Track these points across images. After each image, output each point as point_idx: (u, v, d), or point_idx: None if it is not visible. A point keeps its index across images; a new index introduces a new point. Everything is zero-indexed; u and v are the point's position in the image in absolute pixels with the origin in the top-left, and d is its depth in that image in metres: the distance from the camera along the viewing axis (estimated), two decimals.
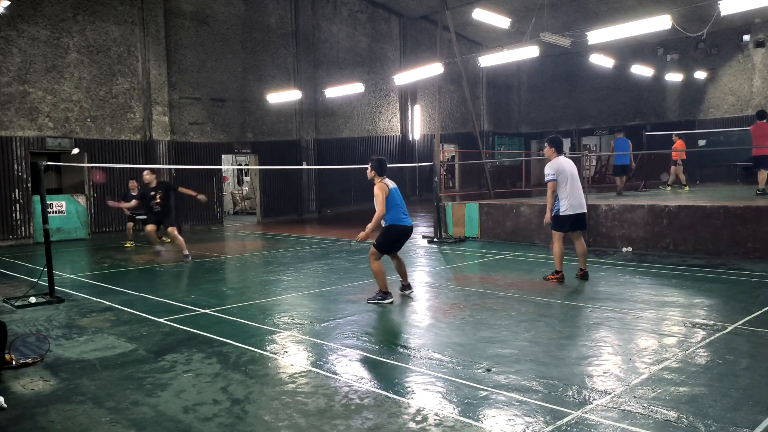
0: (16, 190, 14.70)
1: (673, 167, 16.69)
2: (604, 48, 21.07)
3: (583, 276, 7.72)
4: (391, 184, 6.88)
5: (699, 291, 7.06)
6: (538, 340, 5.15)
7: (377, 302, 6.70)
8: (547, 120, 30.43)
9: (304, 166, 20.59)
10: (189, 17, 17.77)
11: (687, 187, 16.32)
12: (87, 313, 6.66)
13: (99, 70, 15.99)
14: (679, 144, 16.78)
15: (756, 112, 12.83)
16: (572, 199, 7.49)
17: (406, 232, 6.82)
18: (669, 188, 16.49)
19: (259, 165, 19.64)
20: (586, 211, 7.84)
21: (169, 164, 16.78)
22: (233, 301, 7.16)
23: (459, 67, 17.85)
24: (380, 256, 6.76)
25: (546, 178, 7.61)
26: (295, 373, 4.45)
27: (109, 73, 16.18)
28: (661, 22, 11.96)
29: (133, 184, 13.40)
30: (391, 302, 6.71)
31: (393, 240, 6.77)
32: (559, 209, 7.56)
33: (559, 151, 7.67)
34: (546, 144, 7.76)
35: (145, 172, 11.25)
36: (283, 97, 19.03)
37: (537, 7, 18.36)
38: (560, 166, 7.54)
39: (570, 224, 7.61)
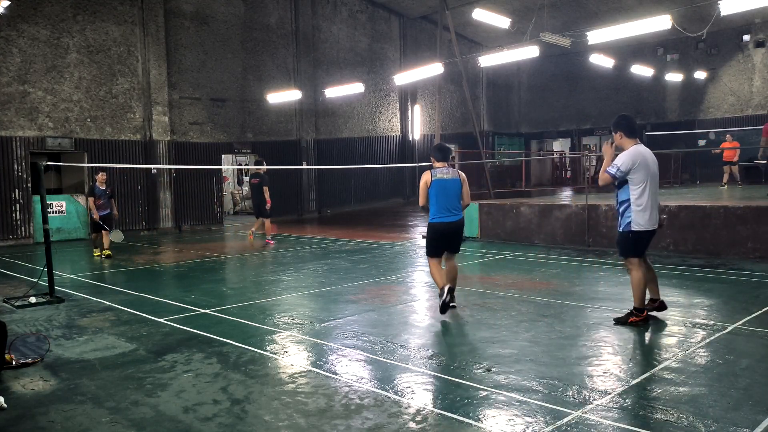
0: (16, 190, 14.70)
1: (730, 167, 16.92)
2: (604, 48, 21.09)
3: (659, 307, 5.75)
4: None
5: (699, 291, 7.05)
6: (538, 340, 5.15)
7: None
8: (547, 120, 30.44)
9: (304, 166, 20.59)
10: (189, 17, 17.77)
11: (737, 185, 16.80)
12: (87, 313, 6.66)
13: (99, 70, 15.98)
14: (735, 143, 17.03)
15: None
16: (653, 209, 5.40)
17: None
18: (725, 187, 16.56)
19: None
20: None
21: (169, 164, 16.78)
22: (233, 301, 7.16)
23: (459, 67, 17.85)
24: None
25: (610, 169, 5.34)
26: (295, 373, 4.45)
27: (109, 73, 16.18)
28: (661, 22, 11.97)
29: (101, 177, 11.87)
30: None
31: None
32: (631, 222, 5.38)
33: (634, 136, 5.48)
34: (612, 128, 5.57)
35: (255, 165, 13.26)
36: (283, 97, 19.03)
37: (537, 7, 18.36)
38: (642, 158, 5.34)
39: (646, 243, 5.52)
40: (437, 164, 6.14)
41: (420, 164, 23.08)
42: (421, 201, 6.15)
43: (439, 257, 6.21)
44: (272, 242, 13.05)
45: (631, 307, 5.55)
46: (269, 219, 13.15)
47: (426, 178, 6.04)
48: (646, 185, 5.30)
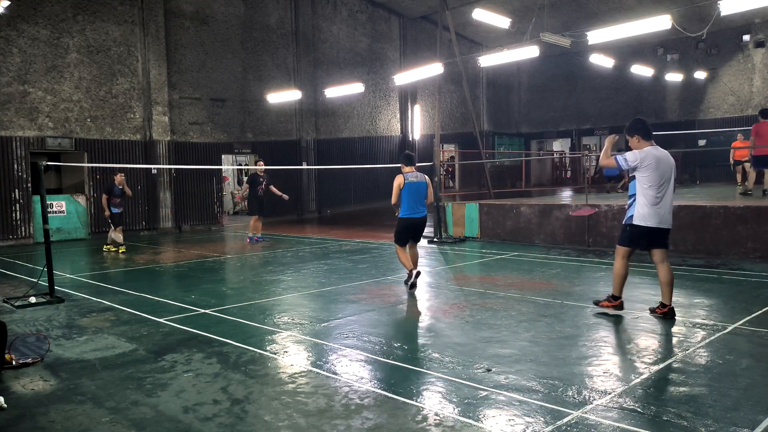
0: (16, 190, 14.70)
1: (743, 166, 16.47)
2: (604, 48, 21.07)
3: (667, 313, 5.69)
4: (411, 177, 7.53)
5: (699, 291, 7.06)
6: (538, 340, 5.15)
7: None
8: (547, 120, 30.44)
9: (304, 166, 20.59)
10: (189, 17, 17.77)
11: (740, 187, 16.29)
12: (87, 313, 6.66)
13: (99, 70, 15.98)
14: (746, 143, 16.54)
15: (759, 110, 12.74)
16: (661, 208, 5.54)
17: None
18: (742, 186, 16.14)
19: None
20: (671, 227, 5.72)
21: (169, 164, 16.78)
22: (233, 301, 7.16)
23: (459, 67, 17.85)
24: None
25: (619, 157, 5.59)
26: (295, 373, 4.45)
27: (109, 73, 16.18)
28: (661, 22, 11.96)
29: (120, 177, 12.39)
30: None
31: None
32: (633, 215, 5.59)
33: (649, 138, 5.58)
34: (627, 133, 5.63)
35: (260, 162, 13.90)
36: (283, 97, 19.03)
37: (537, 7, 18.36)
38: (653, 160, 5.45)
39: (647, 241, 5.65)
40: (406, 169, 7.46)
41: (420, 164, 23.06)
42: (394, 200, 7.49)
43: (405, 245, 7.58)
44: (249, 240, 13.63)
45: (609, 294, 6.00)
46: (253, 217, 13.84)
47: (399, 181, 7.35)
48: (654, 185, 5.48)
